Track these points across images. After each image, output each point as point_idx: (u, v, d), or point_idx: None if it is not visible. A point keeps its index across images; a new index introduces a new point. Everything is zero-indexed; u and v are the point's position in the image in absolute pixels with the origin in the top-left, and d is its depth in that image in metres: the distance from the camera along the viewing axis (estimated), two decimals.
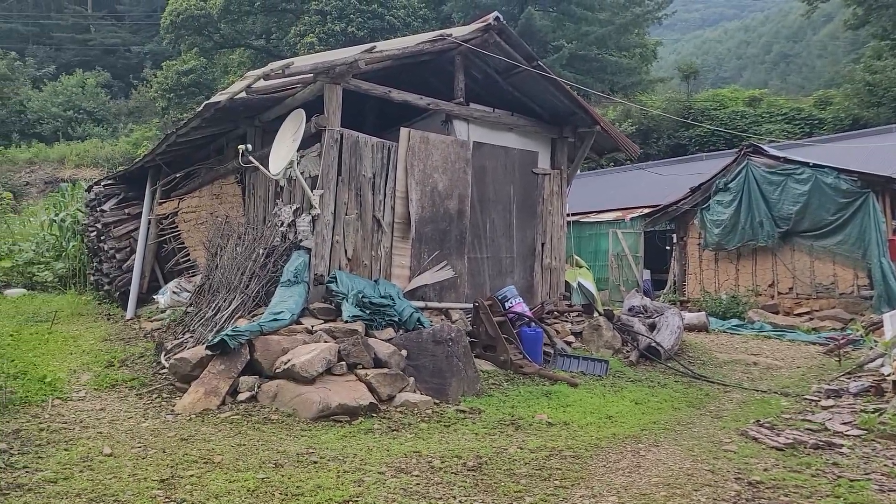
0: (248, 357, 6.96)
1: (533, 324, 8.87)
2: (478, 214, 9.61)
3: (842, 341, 10.24)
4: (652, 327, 9.96)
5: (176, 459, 4.93)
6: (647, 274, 18.50)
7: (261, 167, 8.02)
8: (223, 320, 8.02)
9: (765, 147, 15.77)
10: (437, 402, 6.86)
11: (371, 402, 6.39)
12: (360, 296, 7.69)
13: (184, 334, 8.68)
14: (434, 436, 5.88)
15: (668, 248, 17.73)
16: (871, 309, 13.25)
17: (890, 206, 14.05)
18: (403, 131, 8.94)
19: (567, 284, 10.59)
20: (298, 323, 7.75)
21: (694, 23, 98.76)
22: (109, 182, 13.43)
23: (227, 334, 6.81)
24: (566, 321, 9.93)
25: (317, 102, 8.61)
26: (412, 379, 7.06)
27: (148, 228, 12.17)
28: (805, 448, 5.78)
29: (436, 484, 4.71)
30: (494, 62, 9.64)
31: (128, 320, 11.37)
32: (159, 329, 9.84)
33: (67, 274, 15.29)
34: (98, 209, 12.92)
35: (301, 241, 8.50)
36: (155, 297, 11.11)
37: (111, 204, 12.82)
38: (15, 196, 27.87)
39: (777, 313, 14.30)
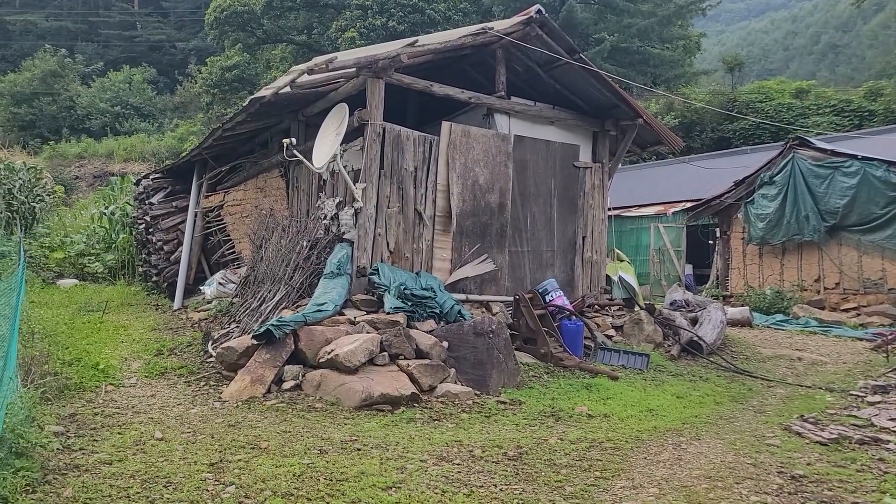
0: (293, 347, 7.11)
1: (573, 317, 8.86)
2: (518, 208, 9.63)
3: (890, 337, 10.01)
4: (694, 322, 9.88)
5: (224, 444, 5.09)
6: (689, 269, 18.28)
7: (305, 160, 8.16)
8: (268, 311, 8.20)
9: (811, 139, 15.43)
10: (478, 393, 6.92)
11: (413, 393, 6.48)
12: (402, 288, 7.78)
13: (230, 324, 8.89)
14: (475, 426, 5.95)
15: (710, 242, 17.49)
16: None
17: None
18: (445, 125, 9.00)
19: (608, 278, 10.55)
20: (341, 314, 7.88)
21: (739, 13, 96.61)
22: (157, 176, 13.79)
23: (272, 324, 6.97)
24: (607, 315, 9.90)
25: (359, 97, 8.72)
26: (453, 370, 7.13)
27: (195, 221, 12.47)
28: (850, 443, 5.71)
29: (476, 472, 4.77)
30: (536, 55, 9.63)
31: (175, 310, 11.68)
32: (206, 319, 10.08)
33: (117, 265, 15.74)
34: (146, 202, 13.29)
35: (344, 233, 8.63)
36: (201, 288, 11.38)
37: (159, 197, 13.16)
38: (66, 190, 28.68)
39: (823, 309, 14.01)
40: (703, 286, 17.38)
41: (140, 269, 14.67)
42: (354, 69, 8.31)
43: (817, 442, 5.74)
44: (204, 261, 12.65)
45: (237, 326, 8.53)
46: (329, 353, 6.85)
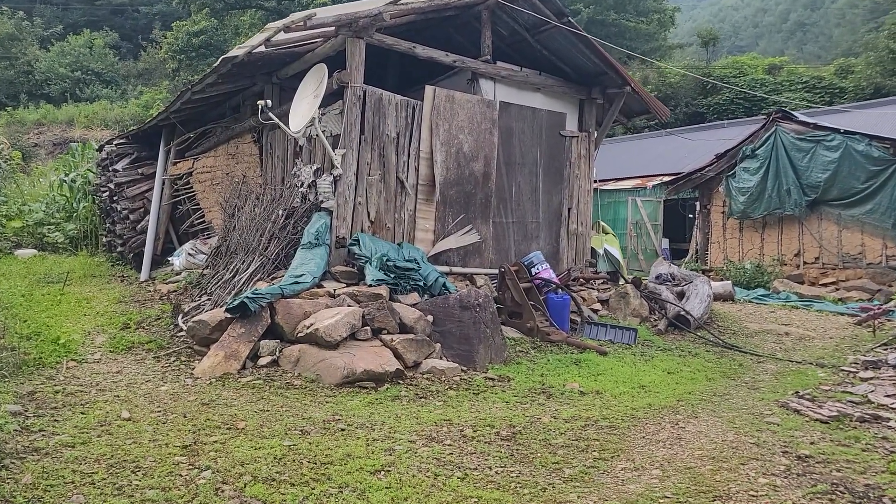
0: (269, 321, 6.75)
1: (560, 290, 8.61)
2: (503, 177, 9.31)
3: (877, 311, 9.94)
4: (680, 296, 9.69)
5: (197, 425, 4.74)
6: (665, 243, 18.19)
7: (280, 124, 7.73)
8: (242, 283, 7.80)
9: (795, 113, 15.30)
10: (465, 368, 6.64)
11: (397, 369, 6.18)
12: (385, 259, 7.43)
13: (201, 297, 8.49)
14: (463, 404, 5.67)
15: (690, 216, 17.37)
16: None
17: None
18: (429, 89, 8.60)
19: (593, 251, 10.31)
20: (320, 286, 7.52)
21: None
22: (122, 141, 13.17)
23: (247, 297, 6.59)
24: (592, 288, 9.68)
25: (338, 59, 8.28)
26: (438, 345, 6.84)
27: (162, 189, 11.93)
28: (850, 421, 5.55)
29: (469, 454, 4.50)
30: (523, 18, 9.25)
31: (142, 282, 11.19)
32: (175, 291, 9.65)
33: (79, 235, 15.10)
34: (110, 169, 12.69)
35: (322, 202, 8.24)
36: (170, 259, 10.91)
37: (124, 164, 12.57)
38: (24, 157, 27.59)
39: (802, 283, 13.99)
40: (679, 260, 17.28)
41: (104, 240, 14.08)
42: (334, 28, 7.86)
43: (817, 420, 5.57)
44: (172, 230, 12.15)
45: (209, 299, 8.12)
46: (308, 328, 6.50)
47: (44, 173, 20.07)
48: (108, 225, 13.43)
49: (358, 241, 7.82)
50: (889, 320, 9.92)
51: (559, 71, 9.96)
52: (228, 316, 6.74)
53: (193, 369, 6.35)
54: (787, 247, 14.84)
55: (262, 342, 6.62)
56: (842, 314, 11.45)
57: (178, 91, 25.84)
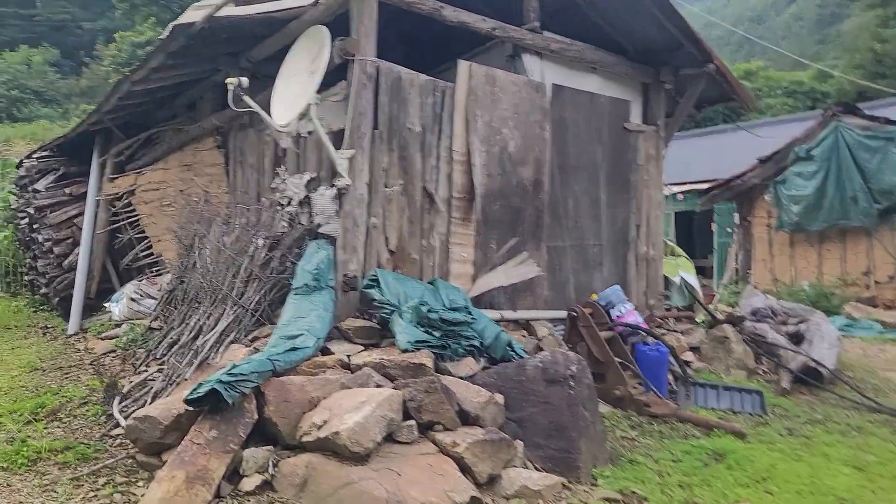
0: (256, 414, 4.38)
1: (649, 340, 6.37)
2: (557, 186, 7.07)
3: None
4: (794, 338, 7.52)
5: None
6: None
7: (263, 114, 5.35)
8: (208, 347, 5.39)
9: (858, 105, 13.38)
10: (567, 482, 4.33)
11: (473, 497, 3.85)
12: (424, 308, 5.09)
13: (148, 365, 6.05)
14: None
15: (730, 229, 15.24)
16: None
17: None
18: (463, 65, 6.34)
19: (665, 280, 8.11)
20: (326, 351, 5.19)
21: None
22: (44, 154, 10.63)
23: (220, 380, 4.21)
24: (673, 330, 7.46)
25: (334, 27, 5.94)
26: (519, 443, 4.53)
27: (96, 213, 9.41)
28: None
29: None
30: None
31: (70, 336, 8.67)
32: (112, 353, 7.17)
33: None
34: (30, 189, 10.12)
35: (319, 225, 5.90)
36: (107, 304, 8.40)
37: (46, 182, 10.03)
38: None
39: (875, 307, 11.99)
40: (707, 280, 15.23)
41: (26, 278, 11.46)
42: None
43: None
44: (110, 266, 9.61)
45: (159, 370, 5.69)
46: (320, 427, 4.16)
47: None
48: (28, 259, 10.82)
49: (377, 280, 5.48)
50: None
51: (616, 46, 7.78)
52: (190, 409, 4.36)
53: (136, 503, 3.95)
54: (852, 264, 12.84)
55: (245, 452, 4.23)
56: None
57: None
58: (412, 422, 4.34)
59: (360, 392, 4.46)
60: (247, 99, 5.16)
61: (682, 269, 8.36)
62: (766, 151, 13.55)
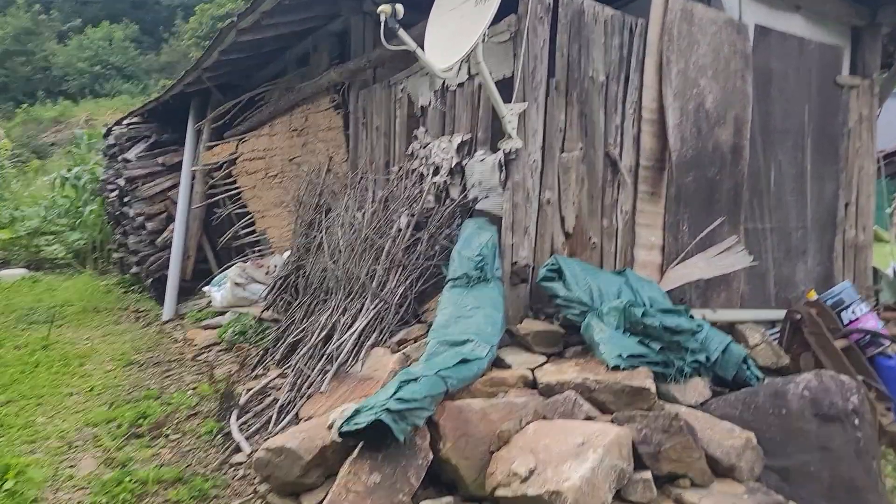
0: (430, 452, 3.27)
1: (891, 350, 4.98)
2: (759, 154, 5.71)
3: None
4: None
5: None
6: None
7: (422, 55, 4.16)
8: (345, 350, 4.29)
9: None
10: None
11: None
12: (636, 310, 3.85)
13: (265, 367, 5.03)
14: None
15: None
16: None
17: None
18: None
19: (874, 272, 6.64)
20: (500, 363, 4.02)
21: None
22: (135, 120, 9.80)
23: (388, 409, 3.12)
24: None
25: None
26: None
27: (192, 185, 8.55)
28: None
29: None
30: None
31: (165, 323, 7.82)
32: (215, 346, 6.22)
33: (85, 248, 11.83)
34: (119, 159, 9.32)
35: (477, 199, 4.73)
36: (206, 288, 7.49)
37: (138, 151, 9.21)
38: (39, 157, 24.79)
39: None
40: None
41: (115, 255, 10.75)
42: None
43: None
44: (207, 244, 8.72)
45: (282, 376, 4.65)
46: (526, 481, 3.04)
47: (43, 169, 16.79)
48: (118, 235, 10.06)
49: (559, 270, 4.27)
50: None
51: None
52: (340, 440, 3.29)
53: None
54: None
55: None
56: None
57: None
58: (647, 473, 3.15)
59: (572, 428, 3.27)
60: (402, 34, 4.00)
61: (893, 258, 6.88)
62: None
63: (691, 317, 4.04)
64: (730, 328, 5.10)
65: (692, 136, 5.20)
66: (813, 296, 5.33)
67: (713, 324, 5.07)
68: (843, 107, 6.26)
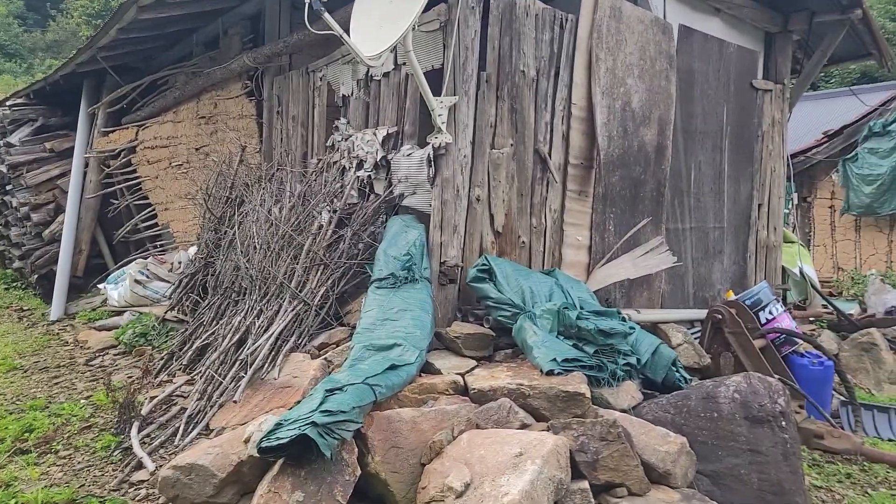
0: (357, 467, 3.07)
1: (807, 351, 5.14)
2: (681, 154, 5.78)
3: None
4: None
5: None
6: None
7: (350, 42, 3.91)
8: (261, 355, 4.03)
9: None
10: None
11: None
12: (570, 312, 3.77)
13: (171, 373, 4.69)
14: None
15: (786, 210, 14.01)
16: None
17: None
18: None
19: (783, 272, 6.86)
20: (427, 368, 3.87)
21: None
22: (20, 101, 9.04)
23: (314, 422, 2.90)
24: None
25: None
26: None
27: (84, 173, 7.93)
28: None
29: None
30: None
31: (52, 323, 7.24)
32: (112, 349, 5.78)
33: None
34: (1, 143, 8.57)
35: (403, 195, 4.55)
36: (101, 286, 6.97)
37: (23, 135, 8.49)
38: None
39: None
40: None
41: None
42: None
43: None
44: (102, 238, 8.15)
45: (190, 383, 4.34)
46: (461, 496, 2.87)
47: None
48: (0, 227, 9.29)
49: (490, 270, 4.15)
50: None
51: None
52: (259, 455, 3.06)
53: None
54: None
55: None
56: None
57: None
58: (585, 483, 3.06)
59: (508, 438, 3.15)
60: (328, 17, 3.75)
61: (803, 260, 7.13)
62: (835, 125, 12.33)
63: (623, 319, 4.00)
64: (653, 328, 5.14)
65: (619, 135, 5.20)
66: (731, 296, 5.45)
67: (638, 324, 5.09)
68: (758, 110, 6.43)
